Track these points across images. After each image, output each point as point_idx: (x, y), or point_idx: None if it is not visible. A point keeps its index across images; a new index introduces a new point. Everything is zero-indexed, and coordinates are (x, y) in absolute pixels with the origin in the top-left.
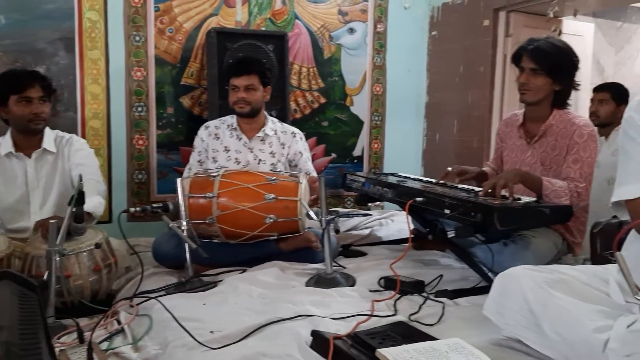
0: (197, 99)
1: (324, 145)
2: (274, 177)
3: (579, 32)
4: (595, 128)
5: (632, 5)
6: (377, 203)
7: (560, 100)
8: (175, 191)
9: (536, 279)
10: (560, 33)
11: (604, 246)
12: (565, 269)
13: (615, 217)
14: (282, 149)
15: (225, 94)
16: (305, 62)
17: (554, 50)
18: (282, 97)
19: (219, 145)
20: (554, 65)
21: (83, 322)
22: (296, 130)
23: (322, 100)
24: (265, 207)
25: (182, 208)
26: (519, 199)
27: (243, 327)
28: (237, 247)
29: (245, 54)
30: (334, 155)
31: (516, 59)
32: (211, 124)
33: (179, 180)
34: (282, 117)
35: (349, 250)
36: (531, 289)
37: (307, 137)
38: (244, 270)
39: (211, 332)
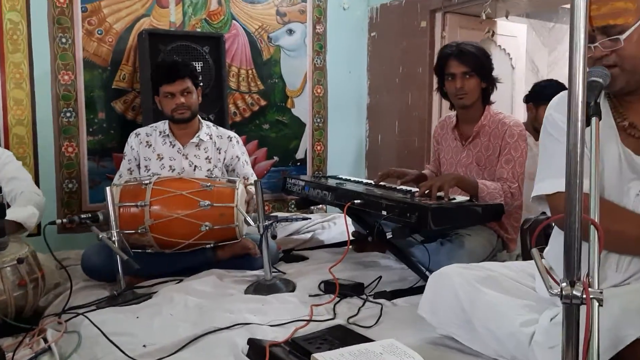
0: (130, 103)
1: (266, 148)
2: (209, 184)
3: (512, 33)
4: (523, 127)
5: (563, 6)
6: (320, 206)
7: (487, 97)
8: None
9: (466, 276)
10: (493, 34)
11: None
12: (494, 266)
13: (544, 213)
14: (218, 154)
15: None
16: (244, 64)
17: (476, 50)
18: (220, 100)
19: (151, 153)
20: (481, 64)
21: (7, 341)
22: (232, 133)
23: (263, 102)
24: (200, 214)
25: (112, 218)
26: (453, 199)
27: (178, 339)
28: (172, 256)
29: (180, 56)
30: (276, 158)
31: (440, 67)
32: (142, 131)
33: (108, 188)
34: (221, 121)
35: (290, 255)
36: (461, 287)
37: (248, 141)
38: (180, 280)
39: (144, 345)
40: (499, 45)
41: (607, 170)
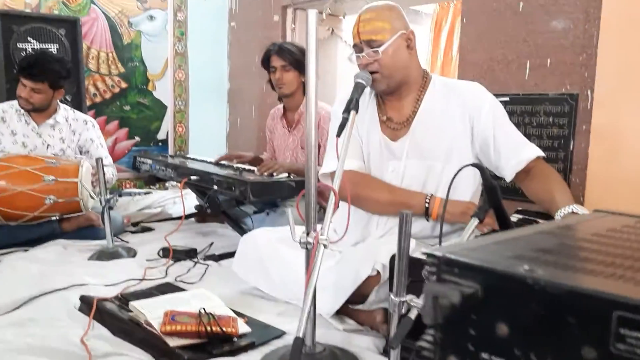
0: None
1: (127, 129)
2: (54, 160)
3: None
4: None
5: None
6: (174, 183)
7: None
8: None
9: (268, 237)
10: (333, 31)
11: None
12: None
13: None
14: (72, 135)
15: (12, 76)
16: (104, 47)
17: (294, 48)
18: (76, 82)
19: (5, 128)
20: (298, 60)
21: None
22: (89, 118)
23: (123, 84)
24: (44, 188)
25: None
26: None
27: (16, 299)
28: (18, 228)
29: (34, 37)
30: (137, 138)
31: (265, 62)
32: None
33: None
34: (78, 102)
35: (138, 227)
36: (263, 246)
37: (109, 121)
38: (26, 251)
39: None
40: (345, 41)
41: (372, 153)
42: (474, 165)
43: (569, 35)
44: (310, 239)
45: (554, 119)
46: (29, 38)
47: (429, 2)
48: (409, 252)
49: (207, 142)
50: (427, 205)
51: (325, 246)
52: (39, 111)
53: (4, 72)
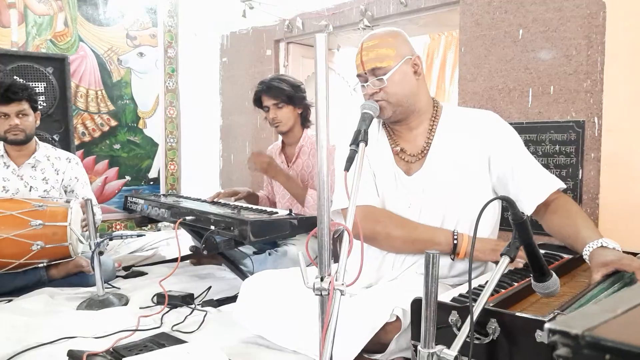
0: None
1: (117, 168)
2: (42, 204)
3: (349, 63)
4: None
5: None
6: (167, 223)
7: (305, 120)
8: None
9: (274, 280)
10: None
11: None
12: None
13: None
14: (56, 175)
15: None
16: (93, 85)
17: (284, 83)
18: (64, 121)
19: None
20: (289, 94)
21: None
22: (71, 155)
23: (113, 123)
24: (31, 234)
25: None
26: (276, 212)
27: None
28: (2, 277)
29: (22, 76)
30: (127, 178)
31: (257, 102)
32: None
33: None
34: (66, 141)
35: (130, 271)
36: (269, 290)
37: (98, 161)
38: (10, 301)
39: None
40: (338, 74)
41: (386, 188)
42: (501, 198)
43: (571, 61)
44: (325, 285)
45: (560, 148)
46: (15, 77)
47: (419, 33)
48: (437, 297)
49: (200, 180)
50: (455, 242)
51: (342, 293)
52: (22, 144)
53: None
